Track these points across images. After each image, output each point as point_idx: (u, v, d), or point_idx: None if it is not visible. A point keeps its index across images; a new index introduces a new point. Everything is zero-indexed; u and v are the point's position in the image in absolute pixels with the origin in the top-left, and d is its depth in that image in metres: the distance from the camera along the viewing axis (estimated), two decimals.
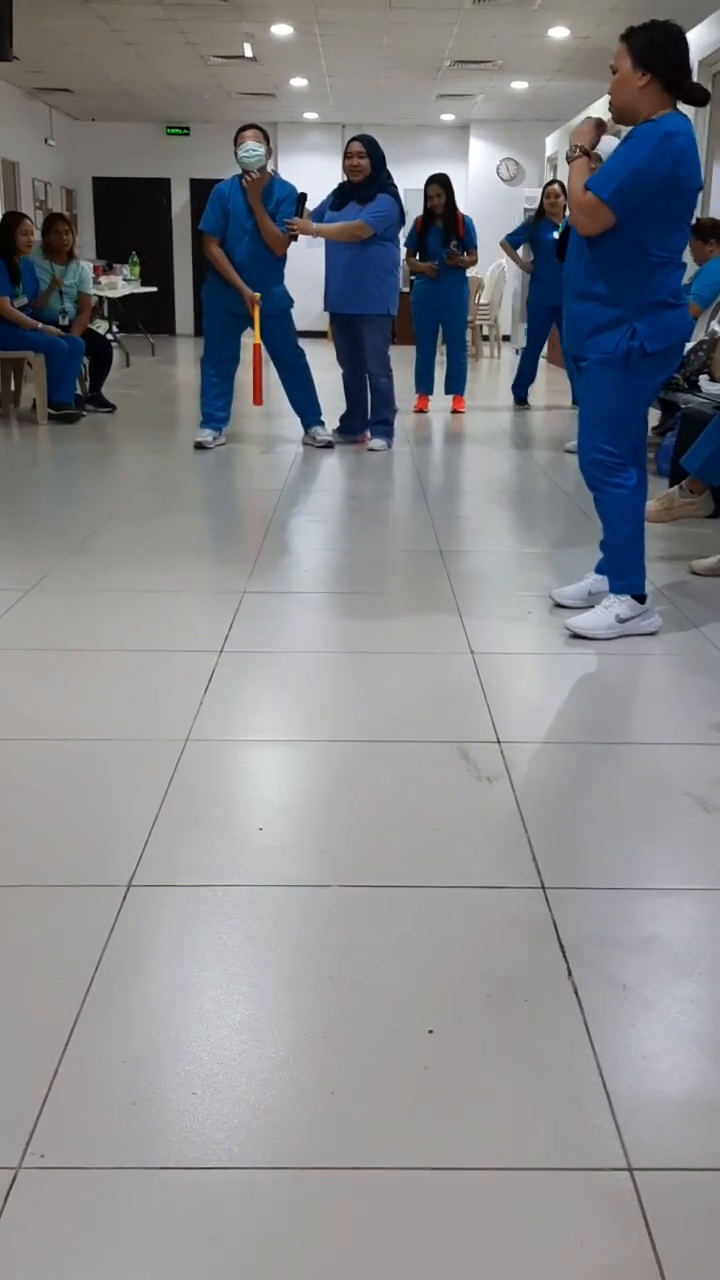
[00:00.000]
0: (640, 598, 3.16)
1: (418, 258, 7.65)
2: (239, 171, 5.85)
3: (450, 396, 8.08)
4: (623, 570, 3.15)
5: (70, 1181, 1.23)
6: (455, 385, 8.02)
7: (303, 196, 5.89)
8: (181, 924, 1.71)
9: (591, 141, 2.98)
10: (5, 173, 12.70)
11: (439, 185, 7.51)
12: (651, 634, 3.16)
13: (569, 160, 3.00)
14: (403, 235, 6.51)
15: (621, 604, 3.14)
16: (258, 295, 5.91)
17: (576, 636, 3.12)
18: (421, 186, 7.65)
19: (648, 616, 3.18)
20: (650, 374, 3.02)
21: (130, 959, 1.62)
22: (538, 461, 6.06)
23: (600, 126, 3.00)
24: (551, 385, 9.82)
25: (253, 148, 5.73)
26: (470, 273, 8.16)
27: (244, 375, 6.71)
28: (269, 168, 5.90)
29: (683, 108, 2.92)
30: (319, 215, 6.12)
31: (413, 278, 7.89)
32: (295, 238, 5.92)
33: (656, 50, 2.86)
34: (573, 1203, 1.21)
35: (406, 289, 8.46)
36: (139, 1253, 1.14)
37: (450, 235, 7.51)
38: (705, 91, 2.97)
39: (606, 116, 3.08)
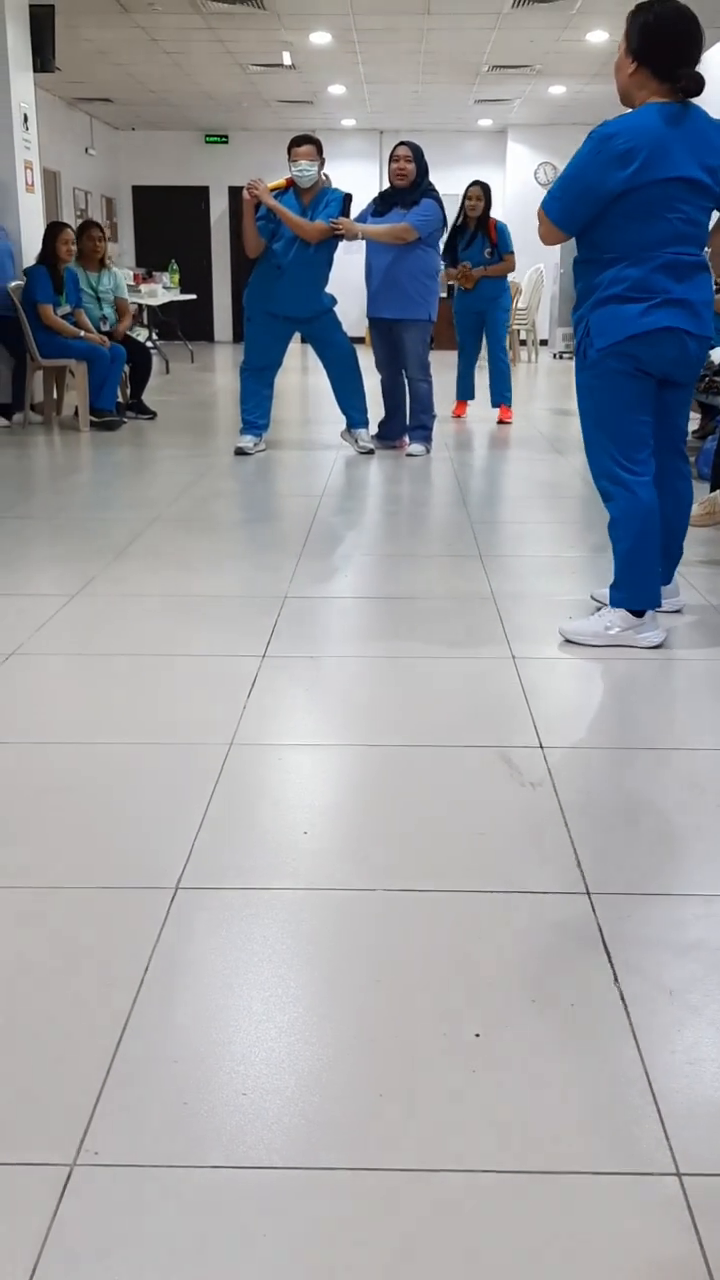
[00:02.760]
0: (638, 613, 3.06)
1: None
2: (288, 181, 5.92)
3: (497, 408, 7.74)
4: (619, 582, 3.08)
5: (123, 1178, 1.25)
6: (500, 394, 7.69)
7: (348, 197, 5.93)
8: (229, 925, 1.73)
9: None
10: (47, 182, 12.84)
11: (480, 189, 7.48)
12: (656, 646, 3.05)
13: None
14: (441, 242, 6.50)
15: (613, 615, 3.08)
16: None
17: (569, 642, 3.08)
18: (458, 192, 7.63)
19: (642, 630, 3.06)
20: (617, 372, 2.89)
21: (179, 960, 1.64)
22: (575, 466, 6.04)
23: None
24: None
25: (305, 167, 5.81)
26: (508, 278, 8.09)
27: (284, 380, 6.74)
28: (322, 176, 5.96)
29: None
30: (360, 222, 6.15)
31: (449, 284, 7.83)
32: (341, 236, 5.93)
33: (648, 37, 2.74)
34: (621, 1207, 1.21)
35: (445, 295, 8.41)
36: (190, 1250, 1.16)
37: (485, 242, 7.47)
38: (700, 81, 2.73)
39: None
